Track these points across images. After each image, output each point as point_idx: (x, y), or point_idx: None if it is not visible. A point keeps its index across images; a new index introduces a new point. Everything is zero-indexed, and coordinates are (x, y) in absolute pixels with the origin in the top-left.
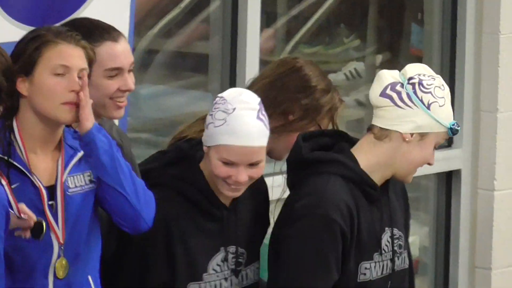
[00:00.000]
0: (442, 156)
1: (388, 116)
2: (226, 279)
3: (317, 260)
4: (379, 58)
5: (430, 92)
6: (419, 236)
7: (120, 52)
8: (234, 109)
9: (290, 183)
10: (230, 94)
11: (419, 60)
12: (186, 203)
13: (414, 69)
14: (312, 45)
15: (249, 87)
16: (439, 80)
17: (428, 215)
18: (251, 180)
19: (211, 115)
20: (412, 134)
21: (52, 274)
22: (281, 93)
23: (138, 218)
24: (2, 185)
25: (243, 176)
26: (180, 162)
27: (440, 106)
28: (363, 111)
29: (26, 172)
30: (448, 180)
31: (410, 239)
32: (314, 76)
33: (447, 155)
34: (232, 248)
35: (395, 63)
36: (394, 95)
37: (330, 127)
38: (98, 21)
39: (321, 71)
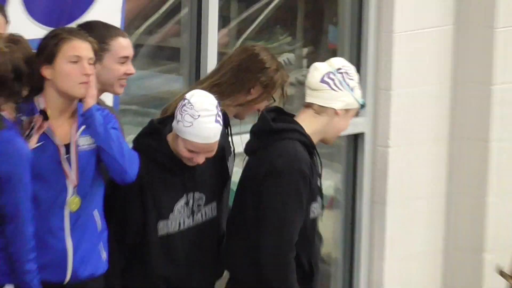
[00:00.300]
0: (351, 122)
1: (326, 97)
2: (188, 216)
3: (297, 202)
4: (305, 50)
5: (352, 79)
6: (334, 181)
7: (128, 44)
8: (199, 116)
9: (253, 148)
10: (196, 101)
11: (334, 52)
12: (155, 164)
13: (339, 62)
14: (256, 40)
15: (219, 69)
16: (354, 69)
17: (341, 165)
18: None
19: (181, 114)
20: (342, 110)
21: (67, 209)
22: (246, 74)
23: (123, 173)
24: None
25: (202, 159)
26: (151, 134)
27: (357, 89)
28: (294, 90)
29: (48, 134)
30: (355, 140)
31: (328, 182)
32: (268, 59)
33: (354, 122)
34: (193, 194)
35: (316, 55)
36: (330, 82)
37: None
38: (106, 22)
39: (272, 54)
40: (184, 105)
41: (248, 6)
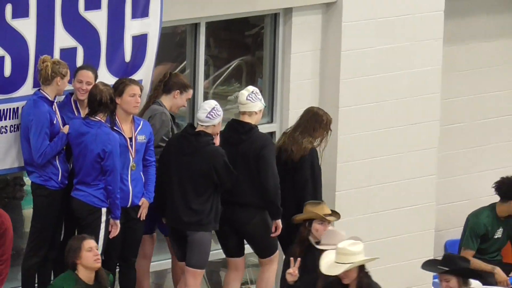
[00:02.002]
0: (264, 127)
1: (252, 106)
2: None
3: (275, 159)
4: (246, 93)
5: (260, 97)
6: None
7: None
8: (219, 116)
9: (241, 139)
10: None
11: (261, 92)
12: None
13: (251, 89)
14: (222, 86)
15: (299, 120)
16: (258, 91)
17: None
18: None
19: (219, 116)
20: (259, 111)
21: (130, 170)
22: (315, 124)
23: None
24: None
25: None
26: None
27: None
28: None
29: (120, 131)
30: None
31: None
32: (323, 113)
33: (270, 126)
34: None
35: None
36: (253, 97)
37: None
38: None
39: (323, 110)
40: (218, 110)
41: (220, 67)
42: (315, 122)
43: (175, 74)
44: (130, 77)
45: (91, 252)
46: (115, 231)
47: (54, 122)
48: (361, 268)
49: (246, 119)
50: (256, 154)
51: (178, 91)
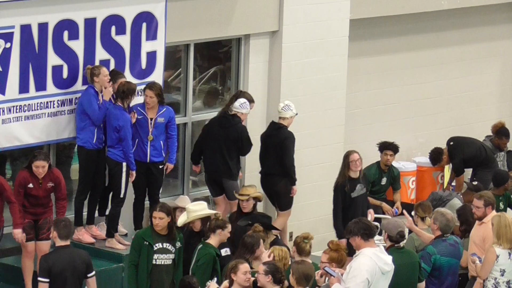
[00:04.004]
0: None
1: (285, 114)
2: None
3: (293, 147)
4: (220, 89)
5: (291, 108)
6: None
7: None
8: (246, 108)
9: (271, 133)
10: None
11: (229, 90)
12: None
13: (286, 102)
14: (203, 87)
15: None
16: (291, 104)
17: None
18: None
19: (246, 108)
20: (291, 117)
21: (148, 139)
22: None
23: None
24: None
25: None
26: None
27: (293, 109)
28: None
29: (144, 113)
30: None
31: None
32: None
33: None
34: None
35: (224, 90)
36: (285, 108)
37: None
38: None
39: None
40: (246, 103)
41: (203, 72)
42: None
43: (244, 91)
44: (146, 79)
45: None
46: (132, 178)
47: (98, 103)
48: (206, 218)
49: (281, 121)
50: (279, 143)
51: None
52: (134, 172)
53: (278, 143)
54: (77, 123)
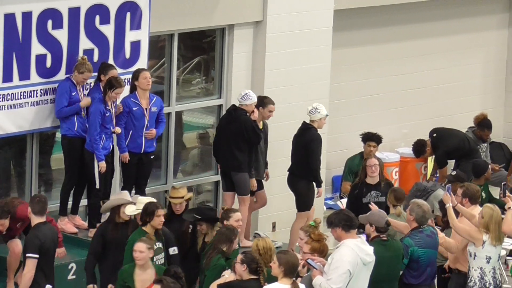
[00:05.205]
0: (213, 102)
1: (313, 116)
2: None
3: (320, 150)
4: (204, 78)
5: (319, 110)
6: None
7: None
8: (250, 99)
9: (298, 134)
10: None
11: (213, 79)
12: None
13: (314, 105)
14: (187, 76)
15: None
16: (321, 106)
17: None
18: None
19: (250, 99)
20: (322, 119)
21: (144, 129)
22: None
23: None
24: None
25: None
26: None
27: (323, 110)
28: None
29: (139, 103)
30: None
31: None
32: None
33: (217, 100)
34: None
35: (209, 79)
36: (313, 111)
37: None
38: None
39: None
40: (249, 95)
41: (186, 62)
42: None
43: (264, 96)
44: (130, 69)
45: (159, 218)
46: (101, 169)
47: (73, 94)
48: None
49: (312, 122)
50: (305, 144)
51: (261, 106)
52: (102, 163)
53: (304, 144)
54: None
